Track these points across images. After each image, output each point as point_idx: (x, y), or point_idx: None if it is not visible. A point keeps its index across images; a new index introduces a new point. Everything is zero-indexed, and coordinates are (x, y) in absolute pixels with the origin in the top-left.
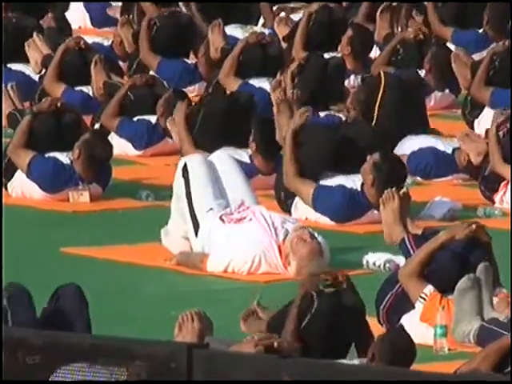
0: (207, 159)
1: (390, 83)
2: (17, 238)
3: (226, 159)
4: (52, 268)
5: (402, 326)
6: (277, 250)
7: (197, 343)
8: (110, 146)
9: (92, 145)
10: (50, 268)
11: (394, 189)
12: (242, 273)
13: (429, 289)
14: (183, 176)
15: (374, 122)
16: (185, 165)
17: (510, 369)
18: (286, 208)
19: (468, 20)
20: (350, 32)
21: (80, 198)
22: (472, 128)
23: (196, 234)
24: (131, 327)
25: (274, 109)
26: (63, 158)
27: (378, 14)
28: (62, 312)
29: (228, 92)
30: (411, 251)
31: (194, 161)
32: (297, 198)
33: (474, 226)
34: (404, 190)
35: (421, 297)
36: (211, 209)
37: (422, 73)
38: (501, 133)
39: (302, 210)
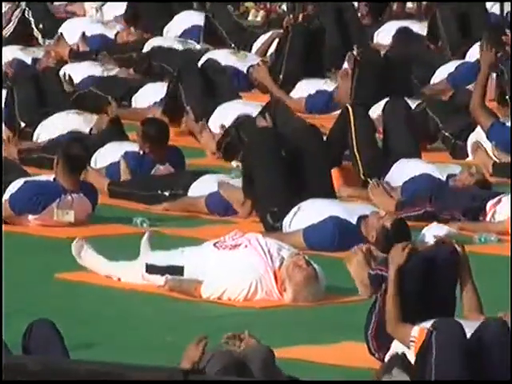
0: None
1: (358, 115)
2: (10, 263)
3: None
4: (46, 294)
5: (404, 355)
6: (272, 277)
7: (192, 368)
8: (86, 147)
9: (68, 146)
10: (44, 294)
11: (355, 247)
12: (239, 301)
13: (415, 330)
14: (151, 273)
15: (358, 156)
16: (146, 265)
17: None
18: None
19: None
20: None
21: (65, 216)
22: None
23: (182, 275)
24: (126, 353)
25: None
26: (43, 177)
27: (339, 75)
28: (35, 350)
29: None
30: (380, 272)
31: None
32: (286, 223)
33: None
34: (366, 245)
35: (411, 341)
36: (183, 251)
37: None
38: None
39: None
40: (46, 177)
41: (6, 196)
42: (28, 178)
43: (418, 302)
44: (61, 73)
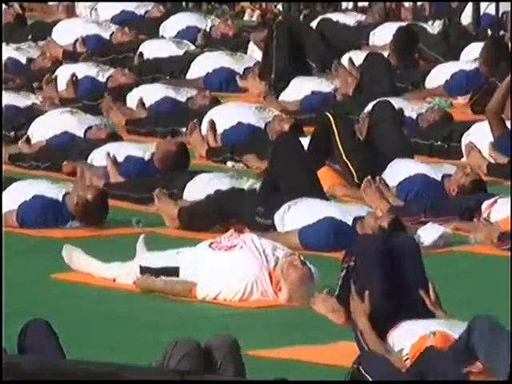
0: None
1: (340, 122)
2: (8, 264)
3: None
4: (44, 294)
5: None
6: (267, 277)
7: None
8: (106, 212)
9: (90, 207)
10: (41, 294)
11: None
12: (235, 302)
13: (406, 348)
14: (144, 274)
15: (348, 162)
16: (140, 268)
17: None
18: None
19: None
20: None
21: None
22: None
23: (177, 276)
24: (121, 352)
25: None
26: (54, 190)
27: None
28: (31, 350)
29: None
30: (344, 269)
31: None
32: (277, 220)
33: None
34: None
35: (406, 359)
36: (178, 252)
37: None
38: None
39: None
40: (56, 192)
41: (12, 205)
42: (37, 192)
43: (384, 293)
44: (57, 73)
